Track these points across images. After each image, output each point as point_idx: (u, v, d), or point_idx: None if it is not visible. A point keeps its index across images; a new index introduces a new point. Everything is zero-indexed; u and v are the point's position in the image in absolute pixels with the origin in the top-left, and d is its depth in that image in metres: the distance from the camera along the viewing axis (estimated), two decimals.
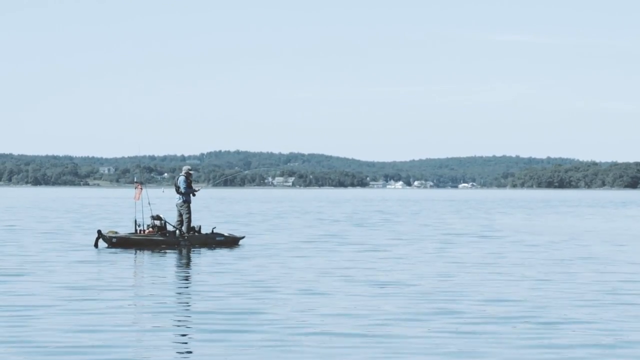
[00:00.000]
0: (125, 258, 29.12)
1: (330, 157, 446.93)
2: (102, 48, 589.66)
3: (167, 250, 32.03)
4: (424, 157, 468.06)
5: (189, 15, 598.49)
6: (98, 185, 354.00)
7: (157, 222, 33.29)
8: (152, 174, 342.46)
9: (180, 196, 34.11)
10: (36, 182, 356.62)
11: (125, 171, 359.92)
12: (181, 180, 34.37)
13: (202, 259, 29.40)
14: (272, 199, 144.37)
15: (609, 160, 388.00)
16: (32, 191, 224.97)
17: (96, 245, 32.85)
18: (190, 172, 35.10)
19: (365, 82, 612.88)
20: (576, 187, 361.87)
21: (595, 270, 25.91)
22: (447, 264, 27.50)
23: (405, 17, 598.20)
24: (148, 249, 32.16)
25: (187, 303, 19.07)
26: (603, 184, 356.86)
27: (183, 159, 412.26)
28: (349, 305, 18.51)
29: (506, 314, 17.45)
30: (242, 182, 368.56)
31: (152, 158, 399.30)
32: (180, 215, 34.08)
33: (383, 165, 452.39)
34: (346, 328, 15.87)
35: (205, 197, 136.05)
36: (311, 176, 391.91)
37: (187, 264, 27.97)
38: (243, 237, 35.56)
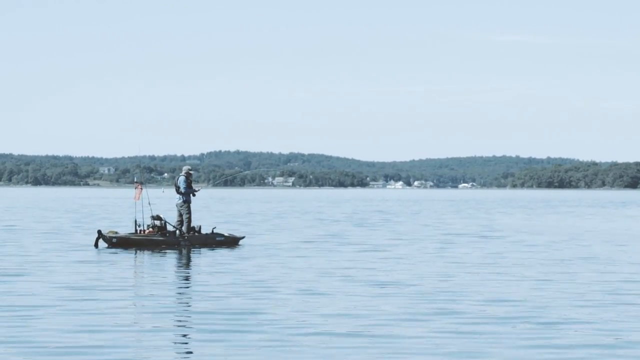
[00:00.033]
0: (126, 258, 29.12)
1: (330, 157, 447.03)
2: (102, 48, 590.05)
3: (167, 251, 32.03)
4: (424, 157, 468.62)
5: (189, 15, 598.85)
6: (98, 185, 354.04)
7: (157, 222, 33.30)
8: (152, 174, 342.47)
9: (181, 196, 34.12)
10: (36, 182, 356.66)
11: (125, 171, 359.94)
12: (181, 180, 34.37)
13: (202, 259, 29.40)
14: (272, 199, 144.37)
15: (609, 160, 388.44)
16: (32, 191, 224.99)
17: (96, 245, 32.86)
18: (190, 172, 35.10)
19: (365, 82, 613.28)
20: (576, 187, 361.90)
21: (596, 271, 25.91)
22: (447, 264, 27.50)
23: (405, 17, 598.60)
24: (148, 249, 32.16)
25: (187, 303, 19.07)
26: (603, 184, 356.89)
27: (183, 159, 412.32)
28: (349, 305, 18.51)
29: (506, 314, 17.45)
30: (242, 182, 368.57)
31: (152, 158, 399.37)
32: (181, 215, 34.08)
33: (383, 165, 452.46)
34: (346, 328, 15.87)
35: (205, 197, 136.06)
36: (311, 176, 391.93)
37: (187, 264, 27.97)
38: (243, 237, 35.57)
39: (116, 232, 33.78)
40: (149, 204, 33.57)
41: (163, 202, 57.18)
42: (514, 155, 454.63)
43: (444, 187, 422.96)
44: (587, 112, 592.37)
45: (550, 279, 23.64)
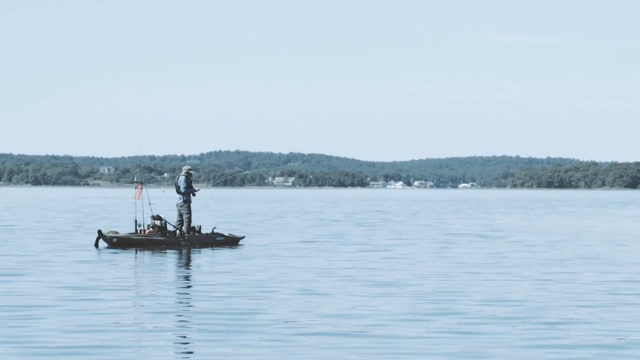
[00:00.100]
0: (126, 258, 29.12)
1: (330, 157, 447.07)
2: (102, 48, 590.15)
3: (168, 251, 32.03)
4: (424, 157, 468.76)
5: (189, 16, 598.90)
6: (98, 185, 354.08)
7: (158, 222, 33.30)
8: (152, 174, 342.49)
9: (181, 196, 34.12)
10: (36, 182, 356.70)
11: (125, 171, 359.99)
12: (181, 180, 34.37)
13: (202, 259, 29.39)
14: (272, 199, 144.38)
15: (609, 160, 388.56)
16: (32, 191, 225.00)
17: (96, 245, 32.87)
18: (191, 172, 35.11)
19: (365, 82, 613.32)
20: (576, 187, 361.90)
21: (596, 271, 25.91)
22: (447, 264, 27.50)
23: (405, 17, 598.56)
24: (148, 249, 32.16)
25: (187, 303, 19.07)
26: (603, 184, 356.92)
27: (183, 159, 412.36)
28: (349, 305, 18.51)
29: (506, 314, 17.45)
30: (242, 182, 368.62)
31: (152, 158, 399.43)
32: (181, 215, 34.09)
33: (383, 165, 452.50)
34: (346, 328, 15.87)
35: (205, 197, 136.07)
36: (311, 176, 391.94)
37: (187, 264, 27.96)
38: (243, 237, 35.57)
39: (116, 232, 33.79)
40: (149, 203, 33.58)
41: (163, 202, 57.18)
42: (514, 155, 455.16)
43: (444, 187, 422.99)
44: (587, 112, 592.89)
45: (551, 279, 23.64)
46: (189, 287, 22.03)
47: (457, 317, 17.02)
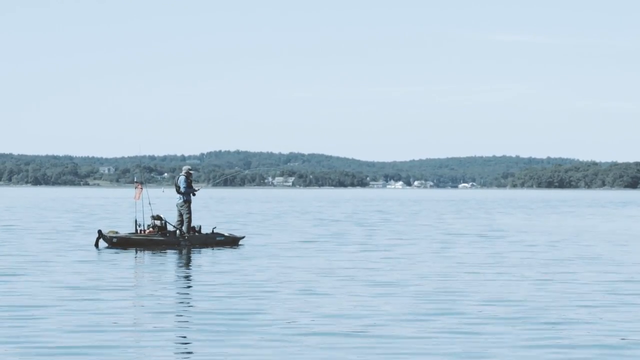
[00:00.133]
0: (126, 258, 29.12)
1: (330, 157, 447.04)
2: (102, 48, 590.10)
3: (168, 251, 32.03)
4: (424, 157, 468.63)
5: (189, 16, 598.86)
6: (98, 185, 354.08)
7: (158, 222, 33.30)
8: (152, 174, 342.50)
9: (181, 196, 34.12)
10: (36, 182, 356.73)
11: (125, 171, 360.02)
12: (181, 180, 34.38)
13: (202, 259, 29.39)
14: (272, 199, 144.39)
15: (609, 160, 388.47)
16: (32, 191, 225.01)
17: (97, 245, 32.87)
18: (191, 171, 35.11)
19: (365, 82, 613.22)
20: (576, 187, 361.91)
21: (596, 271, 25.91)
22: (447, 264, 27.50)
23: (405, 17, 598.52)
24: (148, 249, 32.16)
25: (187, 303, 19.07)
26: (603, 184, 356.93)
27: (183, 159, 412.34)
28: (349, 305, 18.51)
29: (506, 314, 17.44)
30: (242, 182, 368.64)
31: (152, 158, 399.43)
32: (181, 215, 34.09)
33: (383, 165, 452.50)
34: (346, 328, 15.87)
35: (205, 197, 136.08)
36: (311, 176, 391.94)
37: (187, 264, 27.96)
38: (243, 237, 35.57)
39: (116, 232, 33.79)
40: (149, 203, 33.58)
41: (163, 202, 57.20)
42: (514, 155, 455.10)
43: (444, 187, 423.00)
44: (587, 112, 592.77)
45: (551, 279, 23.64)
46: (189, 287, 22.03)
47: (457, 317, 17.02)
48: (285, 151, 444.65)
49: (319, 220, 59.89)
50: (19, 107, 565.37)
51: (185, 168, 35.40)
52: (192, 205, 34.47)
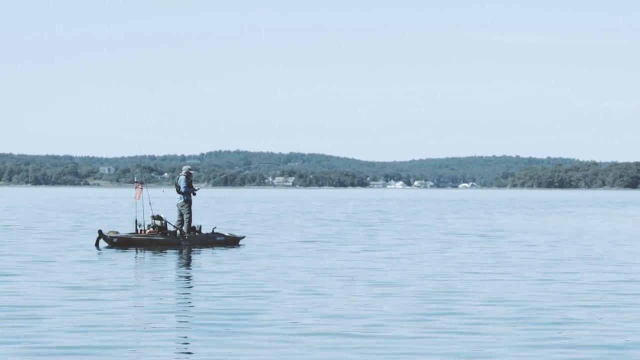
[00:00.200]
0: (126, 258, 29.12)
1: (330, 157, 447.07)
2: (102, 48, 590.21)
3: (168, 250, 32.02)
4: (424, 157, 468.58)
5: (189, 16, 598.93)
6: (98, 185, 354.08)
7: (158, 222, 33.30)
8: (152, 174, 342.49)
9: (181, 196, 34.12)
10: (36, 181, 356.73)
11: (126, 171, 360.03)
12: (182, 179, 34.38)
13: (202, 259, 29.39)
14: (272, 198, 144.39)
15: (609, 160, 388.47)
16: (32, 191, 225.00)
17: (97, 245, 32.88)
18: (191, 171, 35.11)
19: (365, 82, 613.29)
20: (576, 187, 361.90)
21: (596, 271, 25.90)
22: (447, 264, 27.49)
23: (405, 17, 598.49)
24: (149, 249, 32.16)
25: (187, 303, 19.07)
26: (603, 184, 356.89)
27: (183, 158, 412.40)
28: (349, 305, 18.50)
29: (506, 314, 17.44)
30: (242, 182, 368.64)
31: (152, 158, 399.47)
32: (181, 215, 34.09)
33: (383, 165, 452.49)
34: (346, 328, 15.86)
35: (205, 197, 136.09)
36: (311, 176, 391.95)
37: (187, 264, 27.96)
38: (243, 237, 35.57)
39: (117, 232, 33.79)
40: (150, 203, 33.58)
41: (163, 202, 57.20)
42: (514, 155, 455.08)
43: (444, 187, 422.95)
44: (587, 112, 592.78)
45: (551, 279, 23.63)
46: (189, 287, 22.03)
47: (458, 317, 17.01)
48: (286, 151, 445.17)
49: (319, 220, 59.88)
50: (19, 107, 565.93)
51: (185, 168, 35.40)
52: (192, 205, 34.47)
